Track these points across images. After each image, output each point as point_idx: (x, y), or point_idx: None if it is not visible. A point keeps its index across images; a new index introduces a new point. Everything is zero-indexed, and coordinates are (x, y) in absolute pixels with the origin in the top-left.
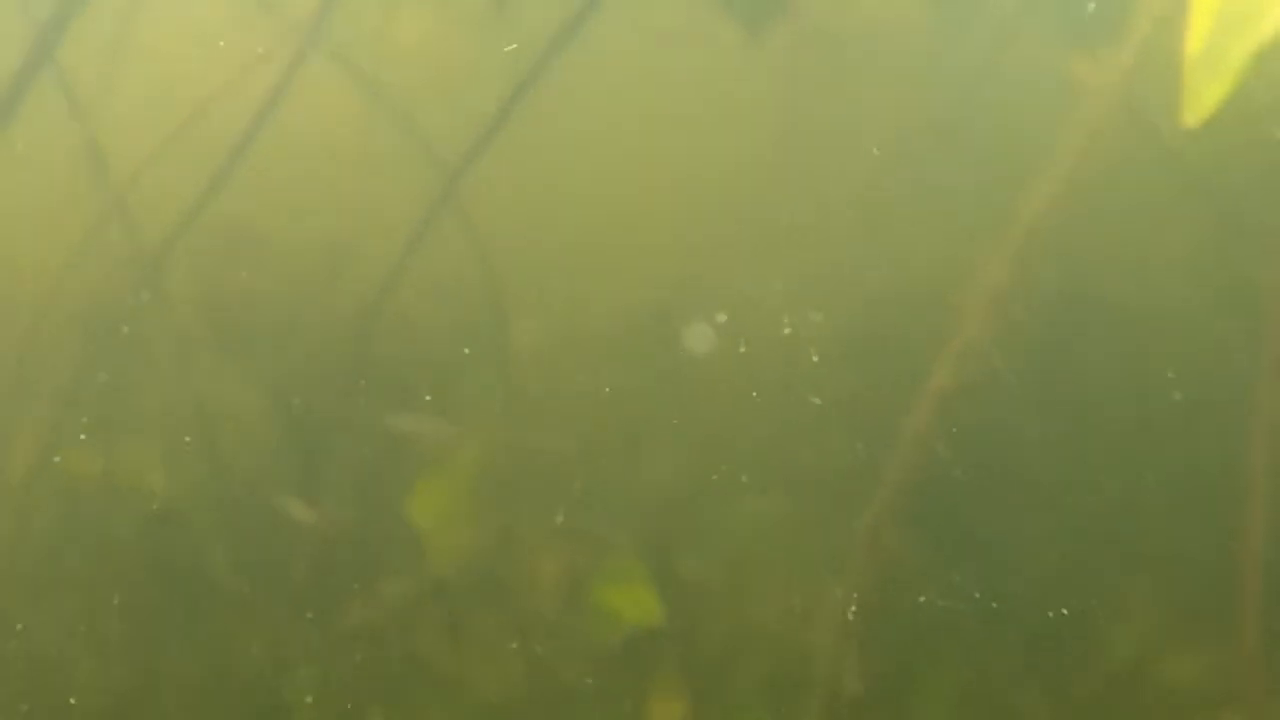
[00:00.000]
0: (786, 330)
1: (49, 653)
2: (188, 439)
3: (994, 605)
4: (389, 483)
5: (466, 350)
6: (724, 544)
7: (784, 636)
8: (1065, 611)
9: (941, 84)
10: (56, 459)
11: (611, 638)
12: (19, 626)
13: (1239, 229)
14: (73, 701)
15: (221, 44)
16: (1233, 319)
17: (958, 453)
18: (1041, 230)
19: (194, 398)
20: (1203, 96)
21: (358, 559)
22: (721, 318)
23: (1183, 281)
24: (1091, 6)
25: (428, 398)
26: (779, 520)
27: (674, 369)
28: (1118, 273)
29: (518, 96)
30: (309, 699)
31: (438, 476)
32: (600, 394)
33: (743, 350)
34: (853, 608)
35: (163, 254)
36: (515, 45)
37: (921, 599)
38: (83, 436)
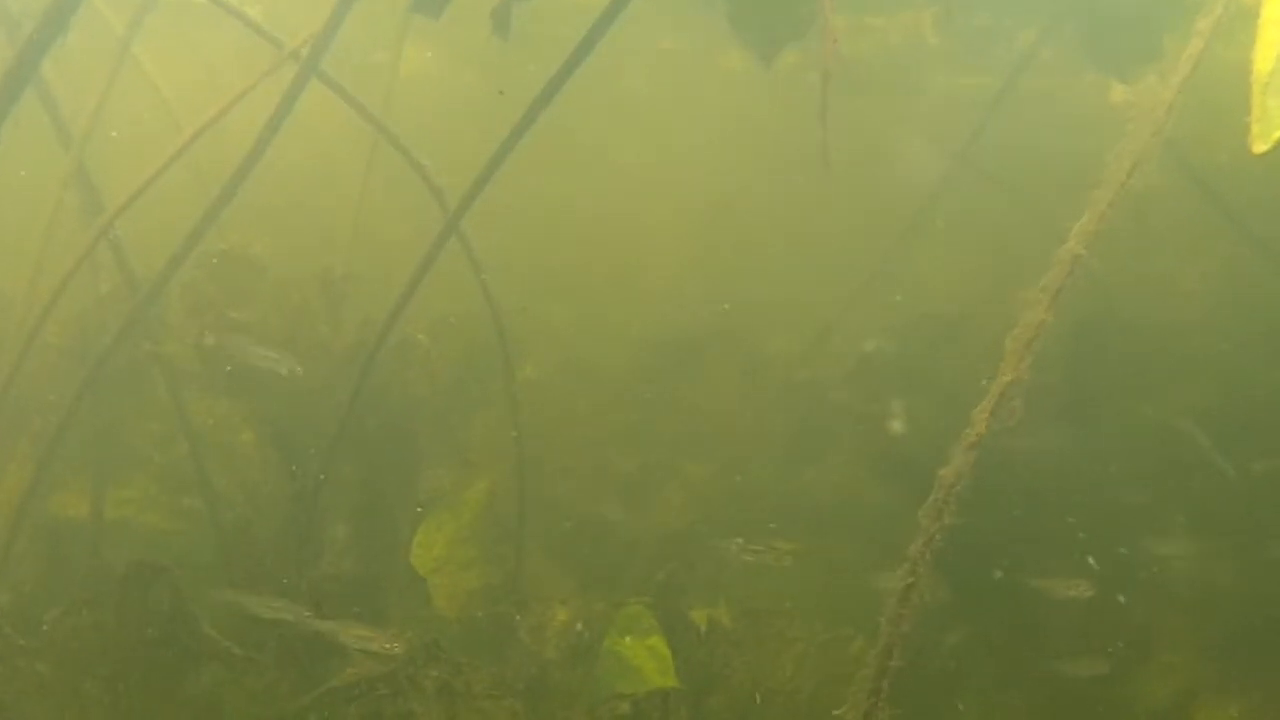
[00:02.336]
0: (802, 372)
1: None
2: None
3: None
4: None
5: (471, 387)
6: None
7: (800, 689)
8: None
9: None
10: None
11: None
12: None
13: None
14: None
15: (219, 74)
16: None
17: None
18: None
19: (186, 435)
20: (1274, 119)
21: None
22: (733, 352)
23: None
24: (1122, 37)
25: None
26: (797, 568)
27: (685, 403)
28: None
29: (521, 130)
30: None
31: (440, 521)
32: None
33: (754, 388)
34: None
35: (157, 287)
36: (507, 89)
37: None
38: (69, 473)
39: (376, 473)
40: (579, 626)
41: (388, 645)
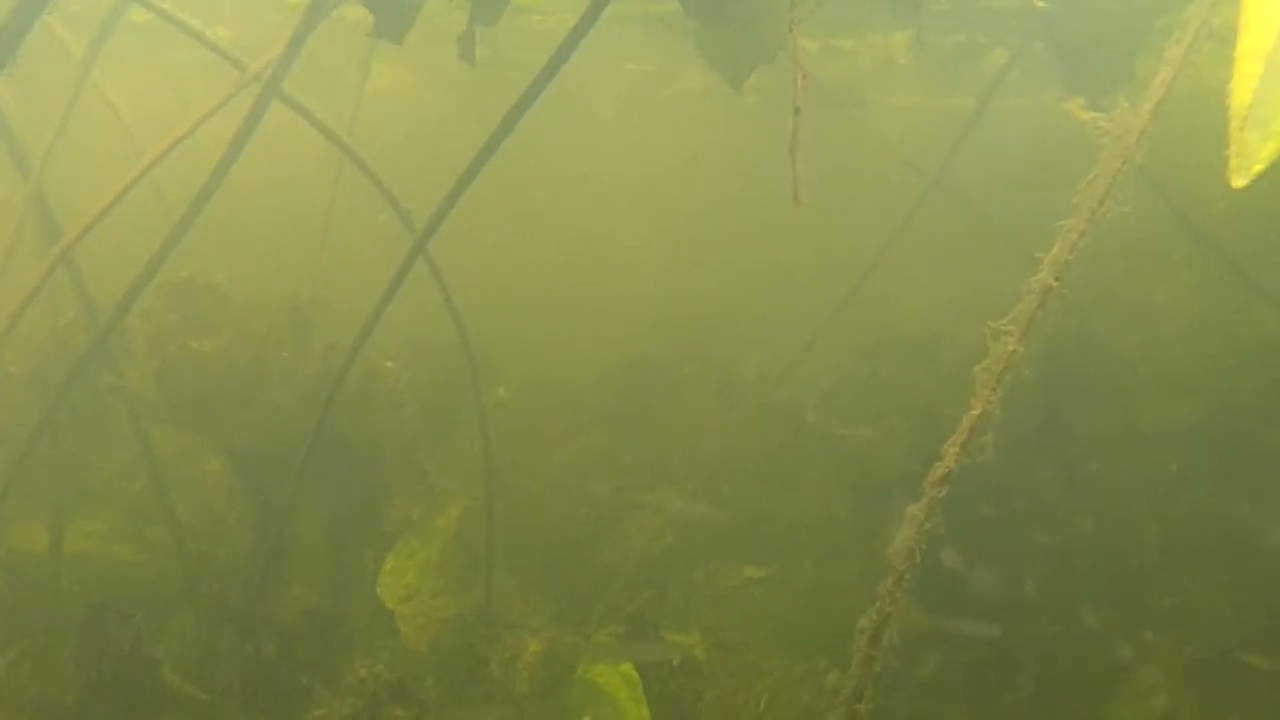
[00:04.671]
0: (776, 394)
1: None
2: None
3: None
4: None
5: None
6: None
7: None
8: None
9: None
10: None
11: None
12: None
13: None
14: None
15: (180, 96)
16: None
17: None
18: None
19: (149, 465)
20: (1253, 153)
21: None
22: (707, 374)
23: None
24: (1094, 61)
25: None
26: (771, 594)
27: (656, 425)
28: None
29: (487, 153)
30: None
31: (410, 549)
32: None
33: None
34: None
35: (117, 315)
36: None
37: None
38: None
39: (344, 502)
40: (550, 655)
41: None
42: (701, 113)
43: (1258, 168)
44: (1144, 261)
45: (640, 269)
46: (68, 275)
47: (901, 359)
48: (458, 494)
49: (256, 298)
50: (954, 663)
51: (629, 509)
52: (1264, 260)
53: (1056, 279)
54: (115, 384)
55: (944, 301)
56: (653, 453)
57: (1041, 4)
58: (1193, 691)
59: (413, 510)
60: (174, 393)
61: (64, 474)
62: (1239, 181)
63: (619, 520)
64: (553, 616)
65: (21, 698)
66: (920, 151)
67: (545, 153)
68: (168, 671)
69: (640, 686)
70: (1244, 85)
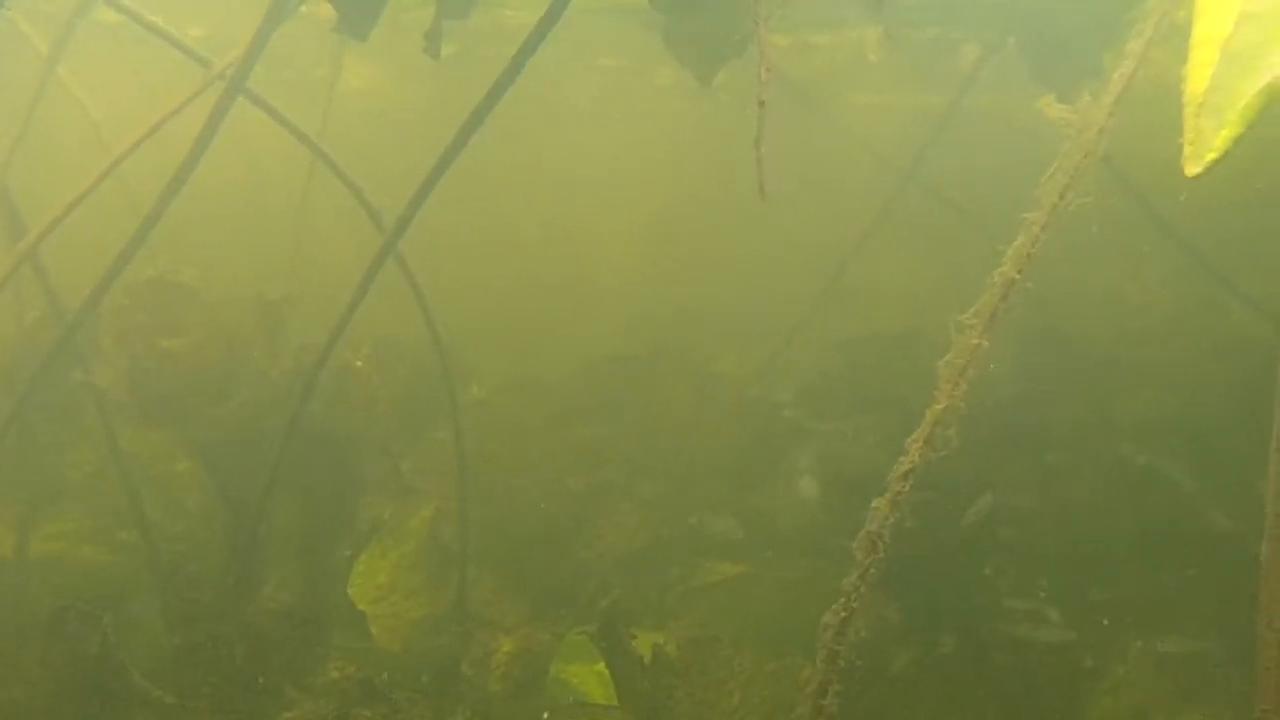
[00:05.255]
0: (752, 390)
1: None
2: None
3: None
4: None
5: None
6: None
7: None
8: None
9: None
10: None
11: None
12: None
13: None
14: None
15: (151, 93)
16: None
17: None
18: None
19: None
20: (1208, 140)
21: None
22: (684, 370)
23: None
24: (1062, 54)
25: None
26: (745, 591)
27: (631, 423)
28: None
29: (455, 148)
30: None
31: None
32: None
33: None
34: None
35: (84, 312)
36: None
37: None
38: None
39: (316, 501)
40: (524, 654)
41: None
42: (676, 108)
43: (1211, 155)
44: (1108, 253)
45: (615, 265)
46: (34, 272)
47: (879, 353)
48: (431, 493)
49: (226, 295)
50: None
51: (606, 506)
52: (1229, 252)
53: (1019, 272)
54: (84, 382)
55: (922, 295)
56: (629, 449)
57: None
58: (1153, 679)
59: (386, 510)
60: (143, 391)
61: (32, 474)
62: (1193, 169)
63: (596, 517)
64: (527, 615)
65: None
66: (895, 146)
67: (520, 149)
68: (136, 674)
69: (611, 685)
70: (1199, 73)
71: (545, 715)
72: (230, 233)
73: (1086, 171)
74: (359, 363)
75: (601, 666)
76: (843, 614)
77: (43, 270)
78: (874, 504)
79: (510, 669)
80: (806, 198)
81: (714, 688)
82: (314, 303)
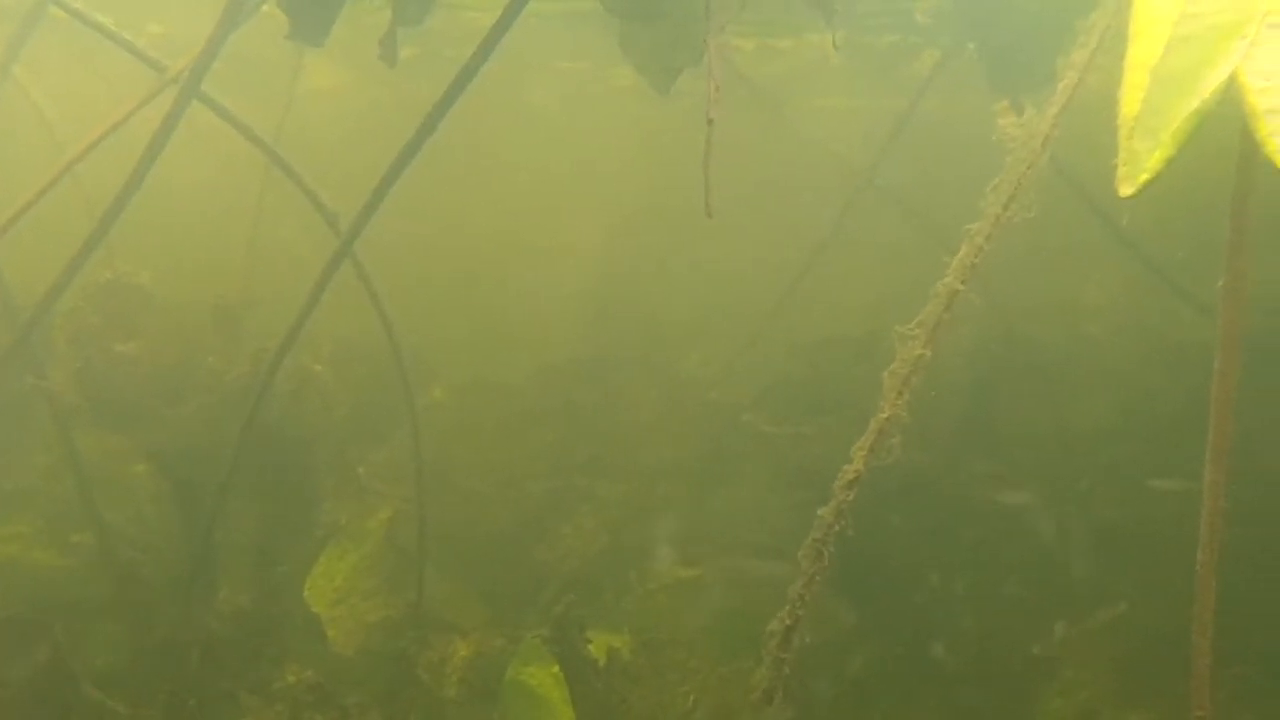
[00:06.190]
0: (711, 394)
1: None
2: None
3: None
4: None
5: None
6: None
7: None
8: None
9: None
10: None
11: None
12: None
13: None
14: None
15: (112, 93)
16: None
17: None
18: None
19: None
20: (1142, 162)
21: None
22: (645, 373)
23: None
24: (1016, 60)
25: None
26: (701, 594)
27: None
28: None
29: (410, 152)
30: None
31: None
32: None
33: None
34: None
35: (38, 315)
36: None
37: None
38: None
39: (273, 505)
40: (480, 657)
41: None
42: (635, 110)
43: (1144, 176)
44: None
45: (577, 267)
46: None
47: (839, 357)
48: (390, 496)
49: (184, 298)
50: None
51: (565, 508)
52: (1183, 261)
53: (962, 283)
54: (38, 385)
55: (884, 299)
56: (589, 451)
57: None
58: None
59: (343, 513)
60: (97, 394)
61: None
62: (1127, 190)
63: (555, 520)
64: (485, 618)
65: None
66: (856, 150)
67: (480, 152)
68: (87, 684)
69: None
70: (1132, 95)
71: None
72: (189, 235)
73: (1030, 183)
74: (317, 366)
75: (558, 669)
76: (788, 621)
77: None
78: (819, 512)
79: (466, 673)
80: (770, 200)
81: (668, 690)
82: (273, 306)
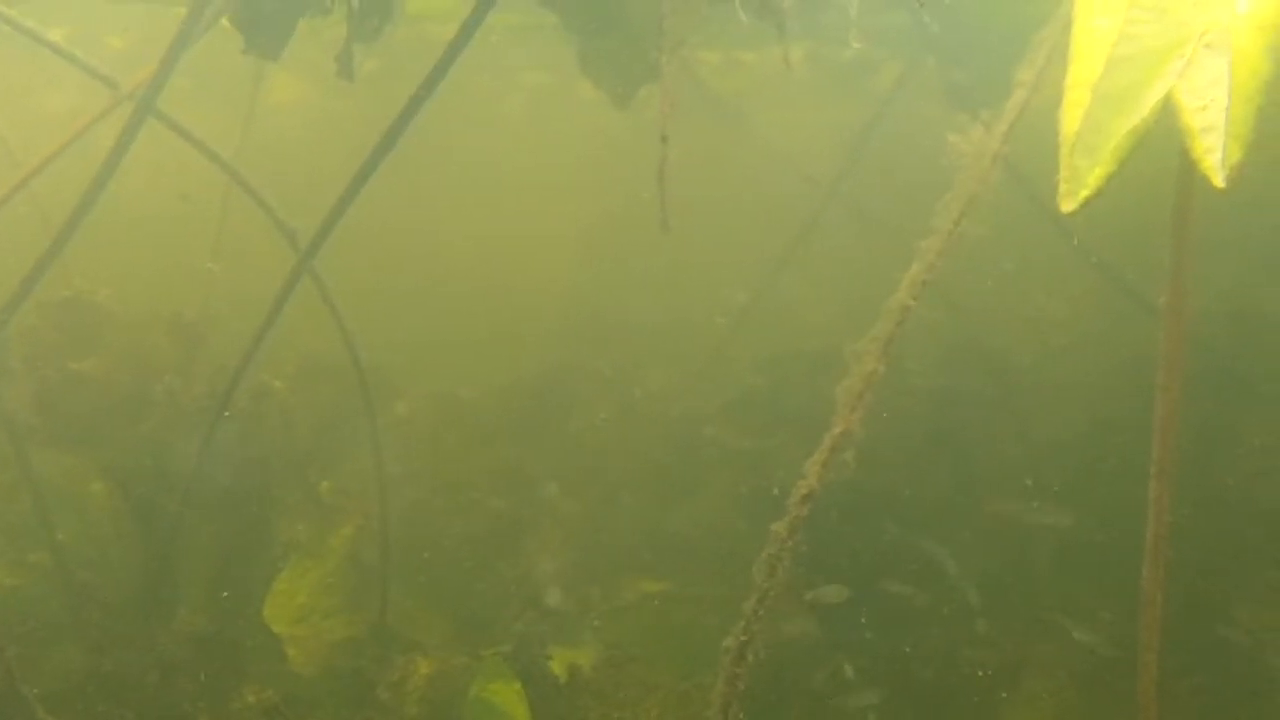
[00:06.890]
0: (674, 408)
1: None
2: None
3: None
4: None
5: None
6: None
7: None
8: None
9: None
10: None
11: None
12: None
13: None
14: None
15: (53, 110)
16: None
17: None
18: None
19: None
20: (1083, 179)
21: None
22: (602, 392)
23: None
24: (973, 72)
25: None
26: (664, 610)
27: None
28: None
29: (369, 168)
30: None
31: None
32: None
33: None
34: None
35: None
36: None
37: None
38: None
39: (232, 523)
40: (442, 675)
41: None
42: (600, 121)
43: (1085, 193)
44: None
45: (541, 280)
46: None
47: (801, 371)
48: (353, 513)
49: (143, 315)
50: None
51: (528, 524)
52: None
53: (914, 299)
54: None
55: (845, 314)
56: (552, 466)
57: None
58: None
59: (304, 531)
60: (54, 413)
61: None
62: (1068, 206)
63: (518, 535)
64: (448, 636)
65: None
66: (819, 162)
67: (444, 166)
68: (40, 709)
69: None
70: (1073, 113)
71: None
72: (148, 252)
73: (980, 199)
74: (278, 382)
75: (520, 686)
76: (743, 638)
77: None
78: (772, 528)
79: (427, 691)
80: (734, 212)
81: (629, 706)
82: (233, 322)
